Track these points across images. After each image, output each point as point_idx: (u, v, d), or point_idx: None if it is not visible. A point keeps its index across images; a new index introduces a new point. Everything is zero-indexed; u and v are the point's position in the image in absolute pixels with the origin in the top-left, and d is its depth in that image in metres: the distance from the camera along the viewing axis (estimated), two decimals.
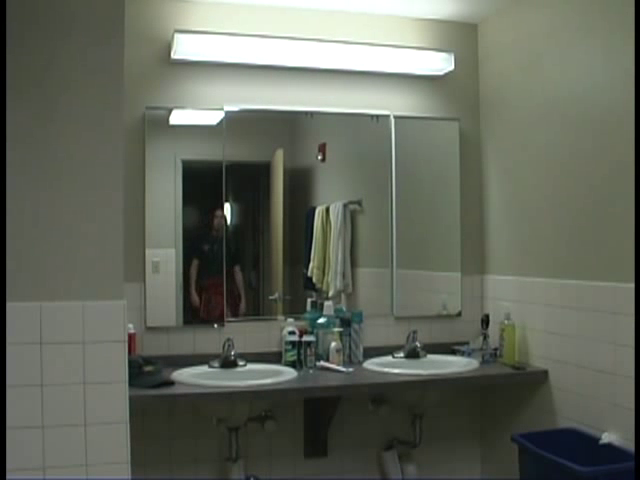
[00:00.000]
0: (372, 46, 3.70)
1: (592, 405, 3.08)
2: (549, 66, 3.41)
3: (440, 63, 3.86)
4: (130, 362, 2.58)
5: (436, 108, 3.98)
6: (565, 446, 2.98)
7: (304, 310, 3.73)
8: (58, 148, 2.49)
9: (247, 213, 3.90)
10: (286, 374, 3.29)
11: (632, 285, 2.77)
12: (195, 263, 3.65)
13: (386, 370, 3.43)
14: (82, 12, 2.52)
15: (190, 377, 3.22)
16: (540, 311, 3.47)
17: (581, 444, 3.02)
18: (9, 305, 2.40)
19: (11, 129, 2.44)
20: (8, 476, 2.35)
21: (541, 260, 3.50)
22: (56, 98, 2.49)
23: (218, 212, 3.69)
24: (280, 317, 3.70)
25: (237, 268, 3.72)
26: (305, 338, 3.48)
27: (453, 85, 3.99)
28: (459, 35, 3.99)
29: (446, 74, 3.91)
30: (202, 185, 3.74)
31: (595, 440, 2.94)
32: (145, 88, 3.52)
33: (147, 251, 3.50)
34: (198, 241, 3.73)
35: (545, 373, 3.42)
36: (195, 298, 3.63)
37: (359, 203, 3.89)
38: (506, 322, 3.60)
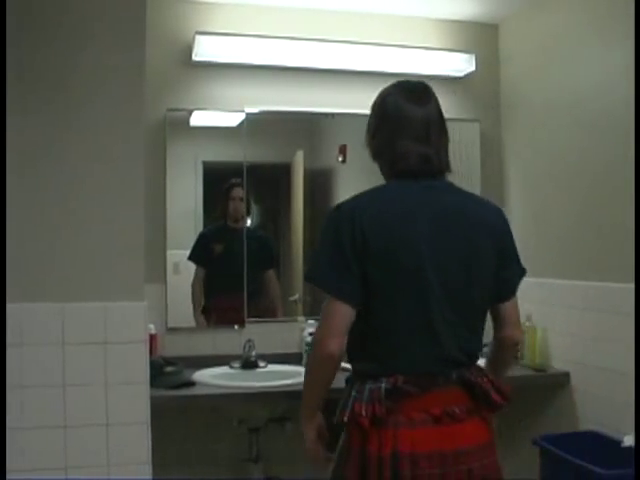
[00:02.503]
0: (393, 47, 3.70)
1: (614, 408, 3.06)
2: (570, 66, 3.39)
3: (461, 64, 3.85)
4: (151, 363, 2.59)
5: (457, 109, 3.95)
6: (587, 449, 2.95)
7: None
8: (79, 150, 2.51)
9: (267, 214, 3.90)
10: None
11: None
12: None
13: None
14: (103, 14, 2.55)
15: (211, 378, 3.22)
16: (561, 313, 3.45)
17: (603, 447, 2.99)
18: (32, 306, 2.42)
19: (33, 132, 2.46)
20: (31, 475, 2.38)
21: (562, 262, 3.47)
22: (77, 100, 2.51)
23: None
24: (300, 318, 3.70)
25: (258, 269, 3.73)
26: None
27: (474, 86, 3.98)
28: (480, 36, 3.98)
29: (467, 75, 3.90)
30: (222, 186, 3.74)
31: (617, 443, 2.91)
32: (166, 90, 3.53)
33: (168, 252, 3.52)
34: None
35: (566, 375, 3.40)
36: (217, 299, 3.63)
37: None
38: (527, 324, 3.58)
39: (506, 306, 2.15)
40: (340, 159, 3.83)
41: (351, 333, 1.97)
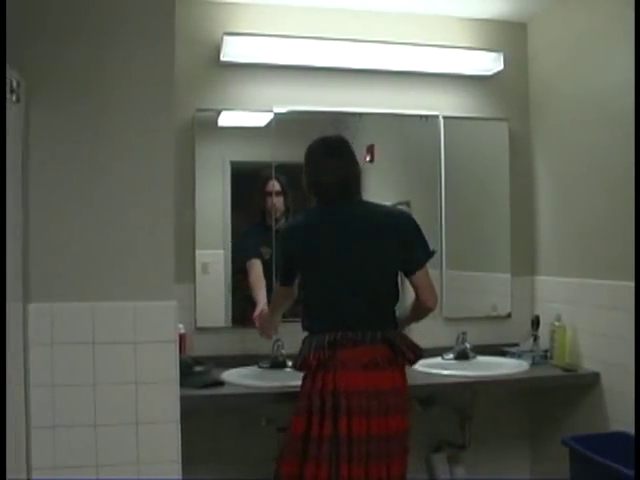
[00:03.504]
0: (421, 46, 3.68)
1: None
2: (600, 65, 3.36)
3: (489, 63, 3.83)
4: (181, 362, 2.61)
5: (485, 108, 3.94)
6: (617, 450, 2.92)
7: None
8: (108, 151, 2.54)
9: (295, 213, 3.89)
10: None
11: None
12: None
13: (435, 371, 3.41)
14: (132, 15, 2.57)
15: (239, 377, 3.23)
16: (591, 313, 3.42)
17: (633, 448, 2.96)
18: (63, 305, 2.45)
19: (62, 133, 2.49)
20: (62, 474, 2.40)
21: (592, 261, 3.44)
22: (107, 100, 2.54)
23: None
24: None
25: None
26: None
27: (502, 85, 3.95)
28: (508, 34, 3.95)
29: (495, 74, 3.87)
30: (251, 186, 3.75)
31: None
32: (195, 90, 3.54)
33: (197, 252, 3.54)
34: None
35: (596, 375, 3.36)
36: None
37: (407, 204, 3.86)
38: (557, 324, 3.56)
39: (414, 278, 2.83)
40: (368, 159, 3.82)
41: (304, 303, 2.84)
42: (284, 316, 3.47)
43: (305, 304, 2.86)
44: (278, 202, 3.69)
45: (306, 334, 2.84)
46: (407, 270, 2.85)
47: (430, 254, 2.86)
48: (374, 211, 2.85)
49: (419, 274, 2.83)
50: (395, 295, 2.86)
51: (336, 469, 2.59)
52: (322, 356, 2.65)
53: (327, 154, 2.85)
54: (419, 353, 2.81)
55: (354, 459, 2.59)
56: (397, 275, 2.86)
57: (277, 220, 3.68)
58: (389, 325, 2.80)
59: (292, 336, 3.44)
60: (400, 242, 2.79)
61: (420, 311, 2.94)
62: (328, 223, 2.79)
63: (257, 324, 3.34)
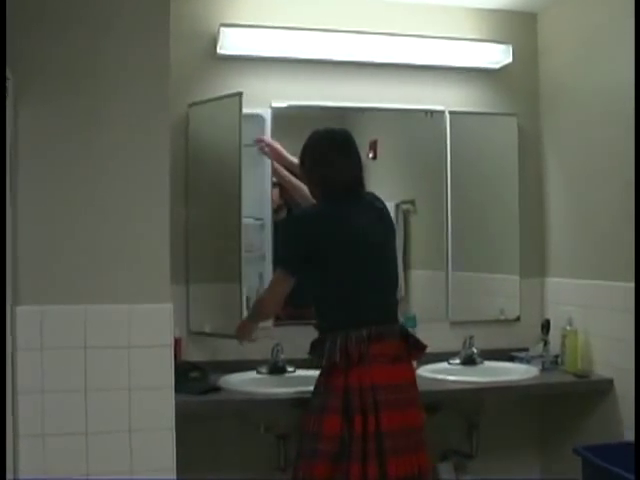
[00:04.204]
0: (425, 38, 3.68)
1: None
2: (614, 58, 3.34)
3: (497, 55, 3.82)
4: (176, 368, 2.60)
5: (493, 103, 3.94)
6: (632, 460, 2.91)
7: None
8: (100, 148, 2.53)
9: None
10: None
11: None
12: None
13: (441, 377, 3.41)
14: (125, 7, 2.57)
15: (237, 383, 3.23)
16: (604, 316, 3.41)
17: None
18: (53, 308, 2.44)
19: (52, 130, 2.48)
20: None
21: (605, 262, 3.43)
22: (98, 97, 2.54)
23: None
24: None
25: None
26: None
27: (511, 79, 3.94)
28: (517, 25, 3.94)
29: (504, 67, 3.87)
30: None
31: None
32: (190, 84, 3.53)
33: (190, 252, 3.52)
34: None
35: (610, 382, 3.36)
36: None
37: (412, 203, 3.87)
38: (568, 328, 3.55)
39: None
40: (370, 156, 3.82)
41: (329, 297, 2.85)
42: (280, 319, 3.48)
43: (332, 298, 2.84)
44: (274, 194, 3.69)
45: (318, 333, 2.86)
46: None
47: None
48: (376, 203, 2.98)
49: None
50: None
51: (383, 466, 2.62)
52: (363, 350, 2.68)
53: (340, 152, 2.90)
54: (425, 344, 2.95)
55: (398, 452, 2.65)
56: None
57: (276, 211, 3.69)
58: (398, 318, 2.94)
59: (291, 340, 3.47)
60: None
61: None
62: (352, 215, 2.83)
63: (239, 328, 3.21)
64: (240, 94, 3.32)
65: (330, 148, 2.91)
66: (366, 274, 2.80)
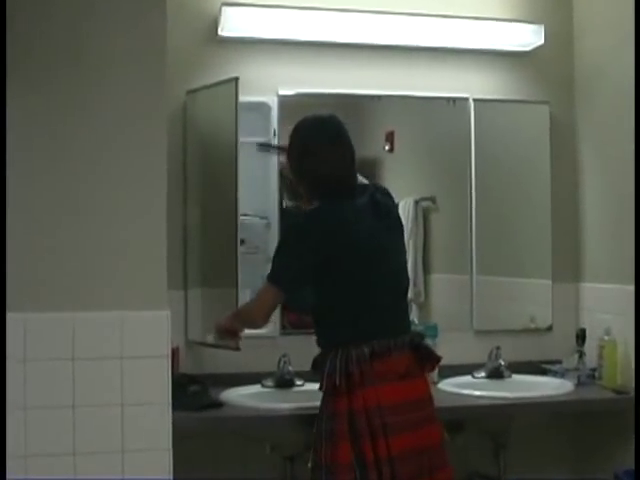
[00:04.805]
0: (448, 18, 3.68)
1: None
2: None
3: (528, 37, 3.81)
4: (173, 381, 2.60)
5: (523, 90, 3.93)
6: None
7: None
8: (91, 141, 2.54)
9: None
10: None
11: None
12: None
13: (465, 392, 3.40)
14: None
15: (240, 398, 3.23)
16: None
17: None
18: (38, 316, 2.43)
19: (37, 121, 2.48)
20: None
21: None
22: (88, 84, 2.54)
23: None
24: None
25: None
26: None
27: (543, 62, 3.94)
28: (550, 3, 3.94)
29: (534, 50, 3.86)
30: None
31: None
32: (188, 69, 3.53)
33: (188, 254, 3.53)
34: None
35: None
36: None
37: (433, 200, 3.87)
38: (606, 338, 3.53)
39: None
40: (387, 148, 3.83)
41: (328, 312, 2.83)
42: (286, 327, 3.48)
43: (331, 313, 2.81)
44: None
45: (321, 349, 2.83)
46: None
47: None
48: (380, 201, 2.88)
49: None
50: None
51: None
52: (365, 369, 2.65)
53: (332, 141, 2.84)
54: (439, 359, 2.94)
55: (413, 477, 2.66)
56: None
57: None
58: (410, 328, 2.94)
59: (299, 350, 3.45)
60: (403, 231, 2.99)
61: None
62: (349, 217, 2.77)
63: (221, 326, 3.10)
64: (236, 79, 3.31)
65: (322, 137, 2.86)
66: (367, 284, 2.75)
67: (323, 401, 2.76)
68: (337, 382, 2.65)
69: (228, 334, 3.09)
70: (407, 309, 2.94)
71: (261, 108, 3.62)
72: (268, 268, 3.57)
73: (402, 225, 2.98)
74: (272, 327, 3.52)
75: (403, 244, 2.97)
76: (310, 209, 2.88)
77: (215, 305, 3.50)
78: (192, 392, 3.12)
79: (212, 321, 3.44)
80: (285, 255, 2.83)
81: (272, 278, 2.82)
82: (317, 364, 2.82)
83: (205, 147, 3.51)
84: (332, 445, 2.65)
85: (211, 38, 3.56)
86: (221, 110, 3.41)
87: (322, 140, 2.83)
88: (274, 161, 3.61)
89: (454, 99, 3.86)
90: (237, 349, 3.21)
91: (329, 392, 2.72)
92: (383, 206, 2.87)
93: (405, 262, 2.96)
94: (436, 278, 3.89)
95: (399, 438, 2.63)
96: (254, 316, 2.95)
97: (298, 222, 2.94)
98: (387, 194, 2.97)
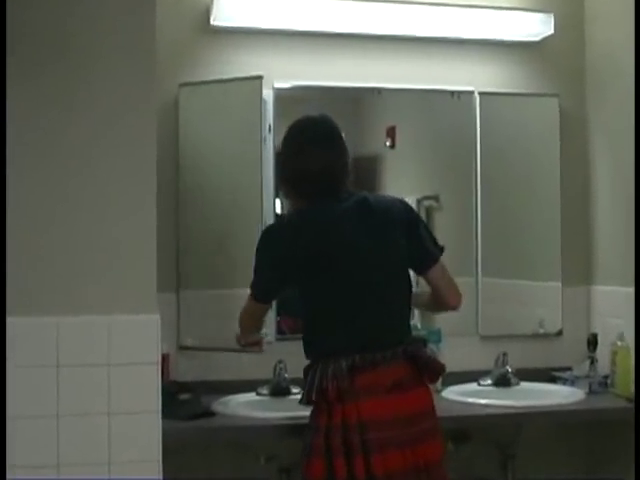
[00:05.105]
0: (452, 7, 3.67)
1: None
2: None
3: (536, 26, 3.81)
4: (163, 389, 2.59)
5: (531, 82, 3.94)
6: None
7: None
8: (79, 137, 2.53)
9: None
10: None
11: None
12: None
13: (470, 400, 3.40)
14: None
15: (234, 407, 3.23)
16: None
17: None
18: (20, 320, 2.42)
19: (22, 117, 2.47)
20: None
21: None
22: (74, 77, 2.54)
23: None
24: None
25: None
26: None
27: (552, 53, 3.94)
28: None
29: (543, 40, 3.86)
30: None
31: None
32: (179, 61, 3.54)
33: (180, 257, 3.53)
34: None
35: None
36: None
37: (436, 198, 3.86)
38: (619, 343, 3.53)
39: (430, 275, 2.89)
40: (388, 144, 3.82)
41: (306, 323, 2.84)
42: (283, 332, 3.47)
43: (310, 323, 2.84)
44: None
45: (308, 361, 2.83)
46: (420, 266, 2.91)
47: (441, 248, 2.93)
48: (371, 204, 2.84)
49: (435, 270, 2.89)
50: (410, 296, 2.91)
51: None
52: (342, 385, 2.63)
53: (315, 141, 2.82)
54: (443, 365, 2.90)
55: None
56: (409, 273, 2.91)
57: None
58: (408, 336, 2.87)
59: (295, 357, 3.42)
60: (406, 235, 2.84)
61: (440, 310, 3.14)
62: (330, 223, 2.77)
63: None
64: (260, 77, 3.42)
65: (304, 137, 2.86)
66: (347, 294, 2.73)
67: (310, 414, 2.77)
68: (313, 397, 2.68)
69: (248, 344, 3.15)
70: (402, 316, 2.88)
71: None
72: None
73: (401, 226, 2.84)
74: (267, 332, 3.49)
75: (399, 247, 2.82)
76: (281, 215, 2.98)
77: (208, 308, 3.50)
78: (183, 401, 3.12)
79: (205, 325, 3.46)
80: (257, 264, 2.85)
81: (250, 287, 2.89)
82: (305, 374, 2.81)
83: (201, 142, 3.50)
84: (307, 460, 2.68)
85: (203, 28, 3.56)
86: (221, 105, 3.42)
87: (305, 138, 2.84)
88: (270, 161, 3.59)
89: (459, 92, 3.85)
90: (260, 352, 3.28)
91: (313, 406, 2.74)
92: (375, 208, 2.82)
93: (401, 267, 2.86)
94: None
95: (384, 456, 2.59)
96: (243, 325, 3.05)
97: (266, 230, 2.98)
98: (385, 203, 2.90)
